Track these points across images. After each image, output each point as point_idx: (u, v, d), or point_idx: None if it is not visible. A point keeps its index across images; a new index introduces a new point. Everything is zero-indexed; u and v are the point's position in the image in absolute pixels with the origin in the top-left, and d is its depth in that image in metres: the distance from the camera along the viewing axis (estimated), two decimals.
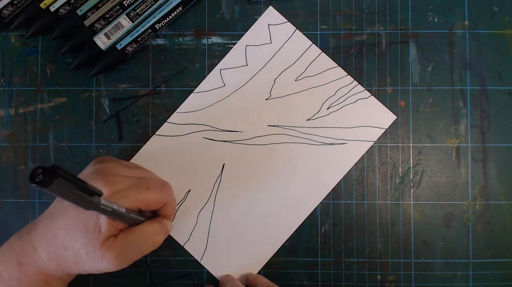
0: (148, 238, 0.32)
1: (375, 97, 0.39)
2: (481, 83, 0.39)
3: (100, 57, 0.37)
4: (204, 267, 0.39)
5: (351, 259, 0.39)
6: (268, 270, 0.39)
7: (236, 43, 0.39)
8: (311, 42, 0.39)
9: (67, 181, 0.21)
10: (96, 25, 0.37)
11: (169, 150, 0.39)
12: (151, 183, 0.32)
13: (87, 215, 0.29)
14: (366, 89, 0.39)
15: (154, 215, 0.34)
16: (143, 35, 0.37)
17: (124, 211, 0.29)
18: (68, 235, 0.29)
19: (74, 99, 0.39)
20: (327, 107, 0.39)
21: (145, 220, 0.32)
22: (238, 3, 0.39)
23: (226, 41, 0.39)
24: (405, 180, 0.39)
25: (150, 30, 0.37)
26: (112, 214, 0.27)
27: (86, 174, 0.31)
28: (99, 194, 0.25)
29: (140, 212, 0.32)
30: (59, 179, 0.20)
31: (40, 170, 0.20)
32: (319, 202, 0.39)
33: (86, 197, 0.24)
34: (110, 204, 0.27)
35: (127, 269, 0.38)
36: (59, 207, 0.31)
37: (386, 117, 0.39)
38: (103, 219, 0.29)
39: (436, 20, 0.39)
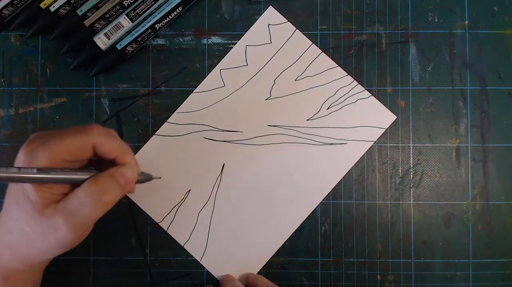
0: (91, 198, 0.26)
1: (375, 97, 0.39)
2: (481, 83, 0.39)
3: (100, 57, 0.37)
4: (204, 267, 0.39)
5: (351, 259, 0.39)
6: (268, 270, 0.39)
7: (236, 43, 0.39)
8: (311, 42, 0.39)
9: None
10: (96, 25, 0.37)
11: (169, 150, 0.39)
12: (68, 130, 0.27)
13: (15, 190, 0.27)
14: (366, 89, 0.39)
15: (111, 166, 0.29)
16: (143, 35, 0.37)
17: (41, 173, 0.25)
18: (8, 216, 0.27)
19: (74, 99, 0.39)
20: (327, 107, 0.39)
21: (89, 177, 0.27)
22: (238, 3, 0.39)
23: (226, 41, 0.39)
24: (405, 180, 0.39)
25: (150, 30, 0.37)
26: (33, 181, 0.25)
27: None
28: None
29: (87, 167, 0.28)
30: None
31: None
32: (319, 202, 0.39)
33: None
34: (19, 172, 0.24)
35: (127, 269, 0.39)
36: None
37: (386, 117, 0.39)
38: (28, 188, 0.26)
39: (436, 20, 0.39)
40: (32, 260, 0.28)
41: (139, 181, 0.31)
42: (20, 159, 0.26)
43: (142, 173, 0.32)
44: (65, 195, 0.27)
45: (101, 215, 0.28)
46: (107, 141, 0.28)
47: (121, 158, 0.29)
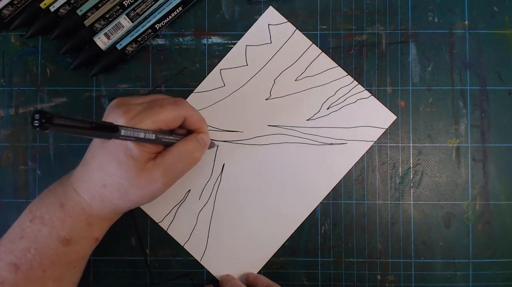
0: (185, 155, 0.32)
1: (375, 97, 0.39)
2: (481, 83, 0.39)
3: (100, 57, 0.37)
4: (204, 267, 0.39)
5: (351, 259, 0.39)
6: (268, 270, 0.39)
7: (236, 43, 0.39)
8: (311, 42, 0.39)
9: (68, 121, 0.22)
10: (96, 25, 0.37)
11: None
12: (163, 102, 0.31)
13: (115, 149, 0.30)
14: (366, 89, 0.39)
15: (189, 133, 0.34)
16: (143, 35, 0.37)
17: (148, 134, 0.29)
18: (103, 173, 0.30)
19: (74, 99, 0.39)
20: (327, 107, 0.39)
21: (179, 139, 0.32)
22: (238, 3, 0.39)
23: (226, 41, 0.39)
24: (405, 180, 0.39)
25: (150, 30, 0.37)
26: (137, 140, 0.28)
27: (105, 114, 0.31)
28: (116, 129, 0.26)
29: (171, 132, 0.33)
30: (55, 120, 0.21)
31: (37, 115, 0.20)
32: (319, 202, 0.39)
33: (98, 132, 0.25)
34: (130, 131, 0.27)
35: (127, 269, 0.39)
36: (89, 153, 0.31)
37: (386, 117, 0.39)
38: (131, 146, 0.29)
39: (436, 20, 0.39)
40: (119, 210, 0.33)
41: (210, 147, 0.36)
42: (123, 123, 0.29)
43: (211, 141, 0.37)
44: (158, 153, 0.31)
45: (189, 170, 0.33)
46: (195, 114, 0.33)
47: (202, 128, 0.34)
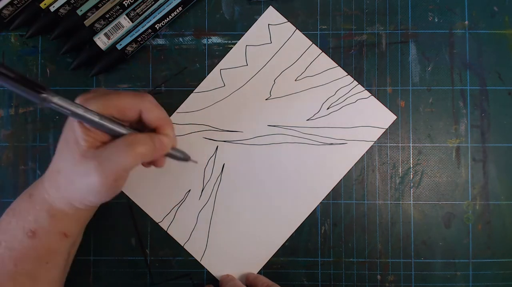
0: (127, 147, 0.28)
1: (375, 97, 0.39)
2: (481, 83, 0.39)
3: (100, 57, 0.37)
4: (204, 267, 0.39)
5: (351, 259, 0.39)
6: (268, 270, 0.39)
7: (236, 43, 0.39)
8: (311, 42, 0.39)
9: (8, 72, 0.22)
10: (96, 25, 0.37)
11: None
12: (124, 91, 0.30)
13: (69, 133, 0.29)
14: (366, 89, 0.39)
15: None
16: (143, 35, 0.37)
17: (89, 114, 0.27)
18: (60, 158, 0.30)
19: (74, 99, 0.39)
20: (327, 107, 0.39)
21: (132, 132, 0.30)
22: (238, 3, 0.39)
23: (226, 41, 0.39)
24: (405, 180, 0.39)
25: (150, 30, 0.37)
26: (76, 117, 0.27)
27: None
28: (43, 87, 0.25)
29: (127, 127, 0.30)
30: None
31: None
32: (319, 202, 0.39)
33: (28, 89, 0.24)
34: (65, 101, 0.26)
35: (127, 269, 0.39)
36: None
37: (386, 117, 0.39)
38: (78, 130, 0.28)
39: (436, 20, 0.39)
40: (74, 203, 0.30)
41: (175, 157, 0.33)
42: (76, 101, 0.28)
43: (179, 151, 0.33)
44: (104, 143, 0.29)
45: (131, 168, 0.29)
46: (155, 110, 0.30)
47: (163, 128, 0.31)
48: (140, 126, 0.31)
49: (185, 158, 0.34)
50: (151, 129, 0.31)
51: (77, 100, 0.28)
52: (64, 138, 0.29)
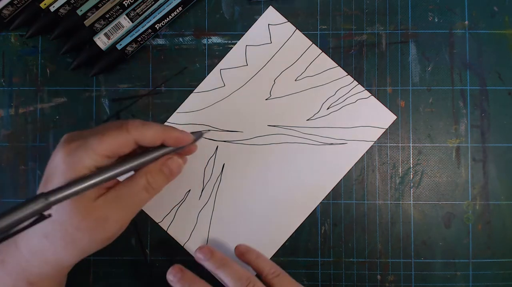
0: (143, 188, 0.28)
1: (375, 97, 0.39)
2: (481, 83, 0.39)
3: (100, 57, 0.37)
4: (204, 267, 0.38)
5: (351, 259, 0.39)
6: None
7: (236, 43, 0.39)
8: (311, 42, 0.39)
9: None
10: (96, 25, 0.37)
11: None
12: (106, 128, 0.27)
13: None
14: (366, 89, 0.39)
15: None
16: (143, 35, 0.37)
17: (84, 183, 0.25)
18: (45, 221, 0.26)
19: (74, 99, 0.39)
20: (327, 107, 0.39)
21: (138, 167, 0.28)
22: (238, 3, 0.39)
23: (226, 41, 0.39)
24: (405, 180, 0.39)
25: (150, 30, 0.37)
26: (78, 193, 0.25)
27: (54, 150, 0.28)
28: (40, 211, 0.23)
29: (131, 157, 0.29)
30: None
31: None
32: (319, 202, 0.39)
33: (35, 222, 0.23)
34: (60, 192, 0.24)
35: (127, 269, 0.39)
36: None
37: (386, 117, 0.39)
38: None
39: (436, 20, 0.39)
40: (66, 263, 0.28)
41: (194, 141, 0.32)
42: (59, 161, 0.26)
43: (195, 133, 0.32)
44: (110, 188, 0.28)
45: (146, 204, 0.29)
46: (147, 132, 0.28)
47: (169, 141, 0.29)
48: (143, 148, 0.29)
49: (199, 136, 0.33)
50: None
51: (60, 155, 0.26)
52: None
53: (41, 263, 0.28)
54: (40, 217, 0.23)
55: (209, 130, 0.37)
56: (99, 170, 0.26)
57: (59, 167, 0.26)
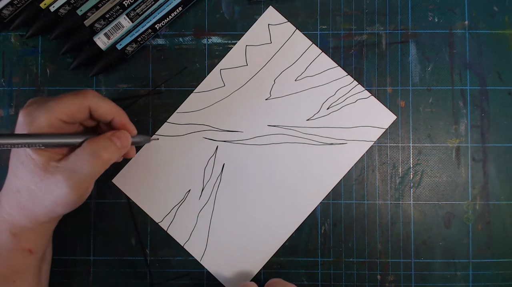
0: (92, 156, 0.29)
1: (375, 97, 0.39)
2: (481, 83, 0.39)
3: (100, 57, 0.37)
4: (204, 267, 0.39)
5: (351, 259, 0.39)
6: (268, 270, 0.39)
7: (236, 43, 0.39)
8: (311, 42, 0.39)
9: None
10: (96, 25, 0.37)
11: (169, 150, 0.39)
12: (65, 94, 0.29)
13: (19, 151, 0.29)
14: (366, 89, 0.39)
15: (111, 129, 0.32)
16: (143, 35, 0.37)
17: (33, 139, 0.27)
18: (16, 177, 0.29)
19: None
20: (327, 107, 0.39)
21: (87, 138, 0.30)
22: (238, 3, 0.39)
23: (226, 41, 0.39)
24: (405, 180, 0.39)
25: (150, 30, 0.37)
26: (26, 146, 0.27)
27: None
28: None
29: (84, 129, 0.31)
30: None
31: None
32: (319, 202, 0.39)
33: None
34: (14, 138, 0.26)
35: (127, 269, 0.39)
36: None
37: (386, 117, 0.39)
38: (30, 151, 0.28)
39: (436, 20, 0.39)
40: (39, 217, 0.30)
41: (136, 143, 0.34)
42: (20, 120, 0.28)
43: (139, 136, 0.34)
44: (65, 155, 0.29)
45: (99, 174, 0.30)
46: (103, 104, 0.30)
47: (117, 120, 0.31)
48: (93, 122, 0.31)
49: (145, 140, 0.35)
50: (106, 123, 0.31)
51: (21, 115, 0.28)
52: (16, 158, 0.29)
53: (20, 215, 0.29)
54: None
55: (157, 139, 0.38)
56: (51, 135, 0.28)
57: (19, 123, 0.29)
